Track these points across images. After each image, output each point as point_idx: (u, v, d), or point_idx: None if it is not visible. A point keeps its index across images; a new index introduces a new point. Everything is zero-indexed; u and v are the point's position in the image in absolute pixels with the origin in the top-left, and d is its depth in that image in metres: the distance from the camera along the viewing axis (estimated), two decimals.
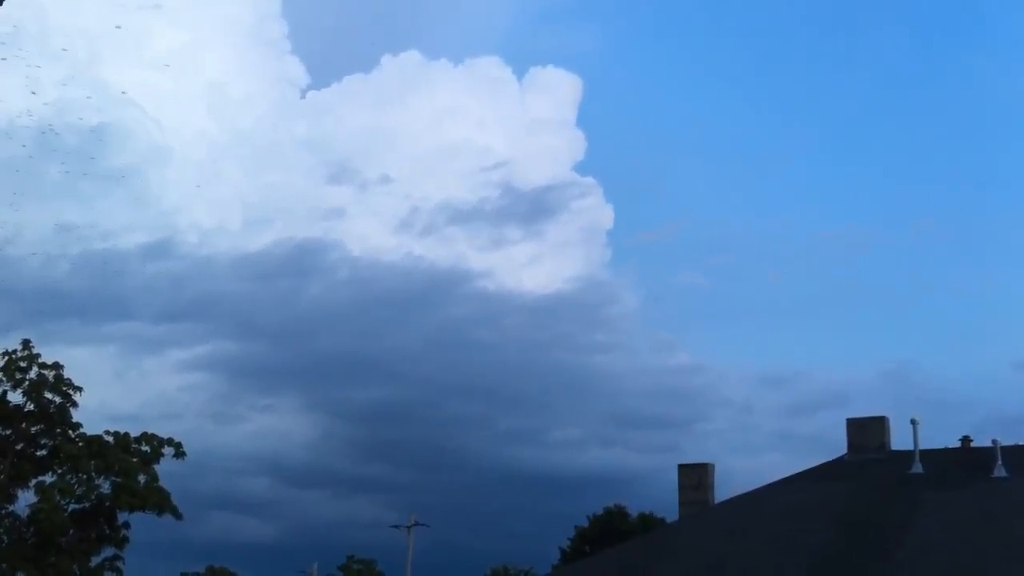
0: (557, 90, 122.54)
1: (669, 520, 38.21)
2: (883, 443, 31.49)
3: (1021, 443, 29.23)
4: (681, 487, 32.70)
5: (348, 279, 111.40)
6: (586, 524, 58.50)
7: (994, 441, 28.58)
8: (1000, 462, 27.77)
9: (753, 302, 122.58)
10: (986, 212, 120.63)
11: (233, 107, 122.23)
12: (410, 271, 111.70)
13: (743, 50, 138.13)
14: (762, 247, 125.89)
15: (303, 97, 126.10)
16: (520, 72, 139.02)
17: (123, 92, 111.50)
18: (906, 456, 29.58)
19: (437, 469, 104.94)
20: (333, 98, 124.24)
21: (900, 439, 30.96)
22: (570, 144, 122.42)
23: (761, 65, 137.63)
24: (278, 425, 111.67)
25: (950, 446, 30.38)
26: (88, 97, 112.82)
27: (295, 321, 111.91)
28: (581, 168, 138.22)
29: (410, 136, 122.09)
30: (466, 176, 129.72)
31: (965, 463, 29.09)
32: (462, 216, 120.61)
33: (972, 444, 30.14)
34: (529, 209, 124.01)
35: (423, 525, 51.71)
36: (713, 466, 33.11)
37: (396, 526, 52.05)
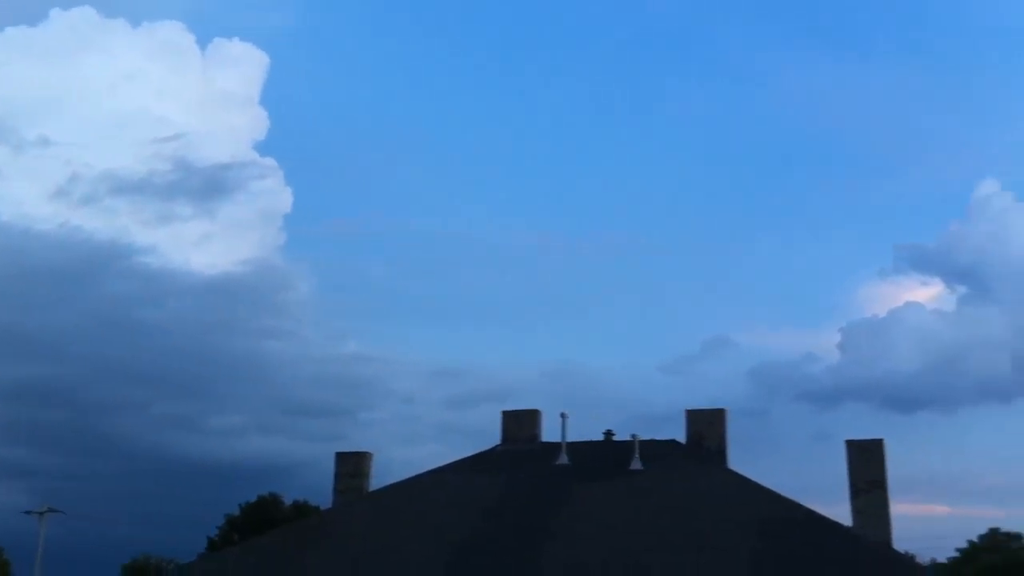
0: (242, 65, 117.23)
1: (324, 508, 37.69)
2: (535, 435, 32.81)
3: (657, 439, 31.37)
4: (338, 475, 32.39)
5: None
6: (238, 512, 56.69)
7: (633, 436, 30.49)
8: (637, 455, 29.59)
9: (433, 299, 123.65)
10: (651, 227, 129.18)
11: None
12: (65, 242, 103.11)
13: (439, 47, 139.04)
14: (447, 246, 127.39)
15: None
16: (204, 42, 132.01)
17: None
18: (555, 448, 30.87)
19: (84, 453, 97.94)
20: None
21: (552, 432, 32.39)
22: (252, 122, 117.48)
23: (459, 65, 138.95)
24: None
25: (595, 439, 32.05)
26: None
27: None
28: (262, 148, 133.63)
29: (77, 98, 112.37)
30: (136, 146, 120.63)
31: (607, 455, 30.77)
32: (128, 187, 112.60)
33: (614, 438, 31.98)
34: (203, 186, 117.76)
35: (58, 512, 47.94)
36: (371, 455, 33.03)
37: (28, 512, 47.86)
